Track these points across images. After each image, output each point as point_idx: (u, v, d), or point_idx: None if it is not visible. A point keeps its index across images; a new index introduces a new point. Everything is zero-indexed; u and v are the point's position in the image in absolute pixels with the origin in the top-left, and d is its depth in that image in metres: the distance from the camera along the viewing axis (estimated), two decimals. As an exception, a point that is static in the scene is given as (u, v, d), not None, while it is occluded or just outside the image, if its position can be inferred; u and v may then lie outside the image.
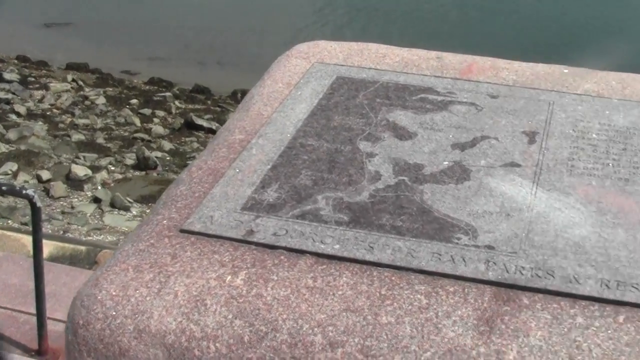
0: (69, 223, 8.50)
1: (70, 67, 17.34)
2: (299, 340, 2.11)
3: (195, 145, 12.86)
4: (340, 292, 2.23)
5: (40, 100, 14.40)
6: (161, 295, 2.26)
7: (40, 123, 13.00)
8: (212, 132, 13.51)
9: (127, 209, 9.39)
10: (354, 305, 2.19)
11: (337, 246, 2.38)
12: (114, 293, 2.29)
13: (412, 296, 2.21)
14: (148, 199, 9.82)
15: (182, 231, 2.50)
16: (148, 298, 2.26)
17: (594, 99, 3.17)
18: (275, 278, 2.28)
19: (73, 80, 15.95)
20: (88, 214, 9.04)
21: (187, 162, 11.75)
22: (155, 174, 10.91)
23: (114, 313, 2.25)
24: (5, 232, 6.84)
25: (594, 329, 2.10)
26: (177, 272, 2.33)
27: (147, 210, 9.50)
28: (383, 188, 2.63)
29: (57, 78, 16.10)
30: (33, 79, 15.81)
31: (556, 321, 2.13)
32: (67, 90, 15.14)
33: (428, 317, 2.15)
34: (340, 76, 3.34)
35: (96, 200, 9.52)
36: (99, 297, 2.29)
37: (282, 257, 2.37)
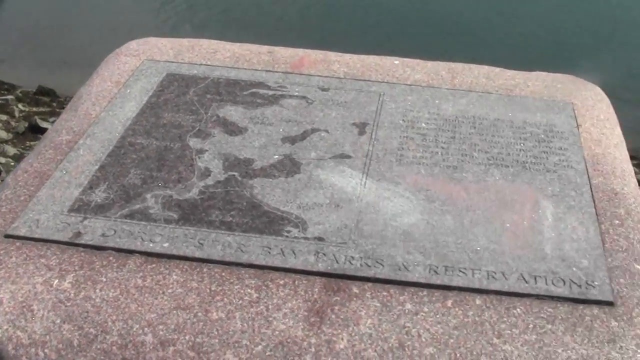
0: None
1: None
2: (130, 340, 2.10)
3: (42, 149, 12.49)
4: (170, 291, 2.23)
5: None
6: (-15, 304, 2.20)
7: None
8: (59, 134, 13.13)
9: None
10: (184, 303, 2.18)
11: (166, 244, 2.37)
12: None
13: (242, 291, 2.23)
14: (-7, 206, 9.47)
15: (7, 236, 2.44)
16: (-28, 307, 2.20)
17: (424, 89, 3.24)
18: (104, 279, 2.26)
19: None
20: None
21: (33, 166, 11.37)
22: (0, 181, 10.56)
23: (-64, 324, 2.18)
24: None
25: (423, 314, 2.16)
26: (2, 279, 2.27)
27: (-8, 218, 9.15)
28: (213, 184, 2.63)
29: None
30: None
31: (386, 308, 2.18)
32: None
33: (259, 311, 2.16)
34: (171, 73, 3.31)
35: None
36: None
37: (110, 258, 2.34)
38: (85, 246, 2.38)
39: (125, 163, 2.73)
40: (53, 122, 13.97)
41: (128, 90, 3.18)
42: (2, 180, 10.53)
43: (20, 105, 14.72)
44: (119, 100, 3.11)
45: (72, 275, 2.28)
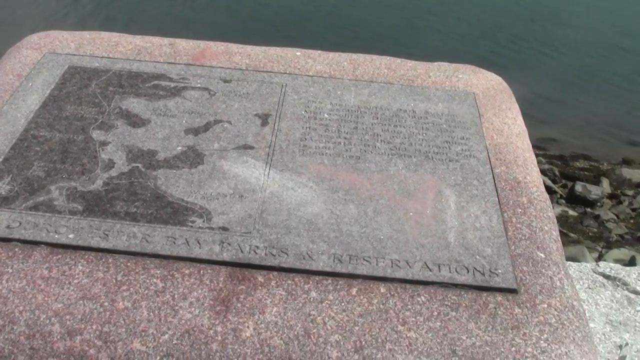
0: None
1: None
2: (37, 330, 2.12)
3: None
4: (76, 281, 2.25)
5: None
6: None
7: None
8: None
9: None
10: (90, 293, 2.21)
11: (71, 235, 2.39)
12: None
13: (148, 280, 2.27)
14: None
15: None
16: None
17: (326, 80, 3.29)
18: (10, 270, 2.28)
19: None
20: None
21: None
22: None
23: None
24: None
25: (328, 302, 2.22)
26: None
27: None
28: (117, 175, 2.66)
29: None
30: None
31: (291, 297, 2.23)
32: None
33: (165, 300, 2.20)
34: (72, 66, 3.31)
35: None
36: None
37: (16, 250, 2.36)
38: None
39: (29, 156, 2.74)
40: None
41: (30, 84, 3.17)
42: None
43: None
44: (21, 94, 3.10)
45: (-23, 267, 2.29)
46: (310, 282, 2.29)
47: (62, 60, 3.35)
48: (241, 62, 3.42)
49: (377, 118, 3.03)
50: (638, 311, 3.95)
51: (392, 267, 2.34)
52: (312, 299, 2.23)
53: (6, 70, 3.29)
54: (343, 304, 2.22)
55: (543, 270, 2.41)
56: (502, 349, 2.13)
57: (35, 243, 2.38)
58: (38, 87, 3.15)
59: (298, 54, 3.53)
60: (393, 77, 3.36)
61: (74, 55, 3.40)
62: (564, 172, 7.94)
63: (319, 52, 3.58)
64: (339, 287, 2.28)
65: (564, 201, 7.45)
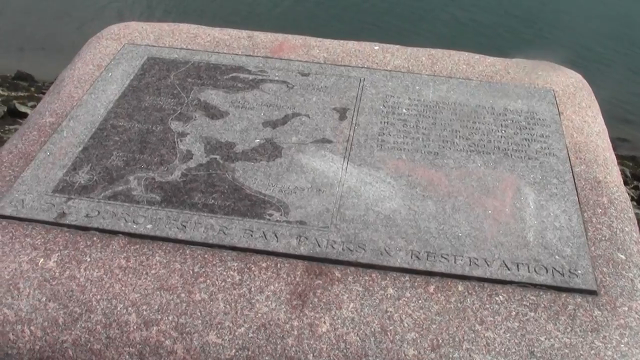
0: None
1: None
2: (114, 320, 2.13)
3: (19, 133, 12.49)
4: (153, 271, 2.26)
5: None
6: (-28, 282, 2.24)
7: None
8: (37, 118, 13.15)
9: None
10: (167, 284, 2.22)
11: (149, 226, 2.40)
12: None
13: (225, 273, 2.26)
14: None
15: None
16: (-40, 284, 2.24)
17: (404, 75, 3.25)
18: (88, 259, 2.29)
19: None
20: None
21: (12, 150, 11.38)
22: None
23: None
24: None
25: (405, 299, 2.19)
26: (-12, 257, 2.31)
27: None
28: (195, 167, 2.66)
29: None
30: None
31: (368, 293, 2.21)
32: None
33: (241, 293, 2.20)
34: (152, 57, 3.33)
35: None
36: None
37: (94, 239, 2.37)
38: (69, 226, 2.42)
39: (108, 145, 2.76)
40: (32, 106, 13.93)
41: (110, 74, 3.20)
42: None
43: (-2, 90, 14.69)
44: (101, 84, 3.13)
45: (57, 254, 2.31)
46: (388, 279, 2.26)
47: (142, 51, 3.38)
48: (319, 55, 3.40)
49: (456, 114, 2.98)
50: None
51: (470, 265, 2.30)
52: (389, 295, 2.20)
53: (86, 60, 3.32)
54: (420, 301, 2.19)
55: (624, 272, 2.35)
56: (582, 352, 2.09)
57: (114, 232, 2.39)
58: (117, 78, 3.17)
59: (376, 48, 3.50)
60: (472, 73, 3.31)
61: (153, 46, 3.42)
62: (635, 174, 7.76)
63: (397, 46, 3.55)
64: (416, 284, 2.25)
65: (635, 203, 7.29)
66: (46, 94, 3.22)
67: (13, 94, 14.63)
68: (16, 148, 2.80)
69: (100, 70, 3.23)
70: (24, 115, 13.16)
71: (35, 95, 14.61)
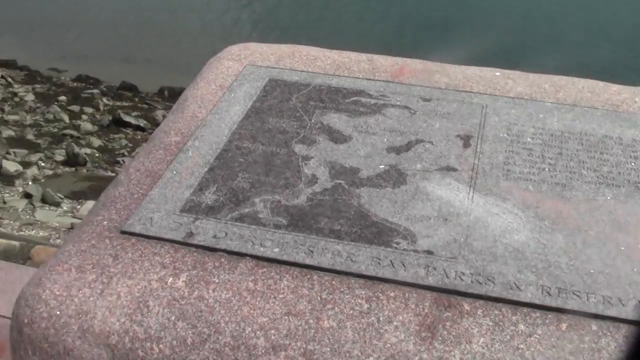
0: (0, 217, 8.40)
1: (-2, 64, 17.08)
2: (242, 343, 2.15)
3: (124, 142, 12.76)
4: (281, 296, 2.27)
5: (-31, 98, 14.16)
6: (104, 296, 2.29)
7: (-31, 120, 12.80)
8: (140, 129, 13.47)
9: (57, 204, 9.31)
10: (295, 309, 2.22)
11: (276, 249, 2.42)
12: (57, 293, 2.32)
13: (353, 301, 2.25)
14: (78, 195, 9.75)
15: (123, 232, 2.52)
16: (91, 298, 2.29)
17: (527, 102, 3.19)
18: (217, 280, 2.32)
19: (2, 76, 15.70)
20: (19, 209, 8.94)
21: (116, 158, 11.69)
22: (84, 170, 10.81)
23: (58, 312, 2.27)
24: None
25: (537, 336, 2.14)
26: (119, 273, 2.36)
27: (78, 207, 9.46)
28: (320, 191, 2.67)
29: (-16, 76, 15.84)
30: (-40, 77, 15.54)
31: (498, 328, 2.17)
32: (-5, 87, 14.91)
33: (370, 322, 2.19)
34: (273, 78, 3.36)
35: (27, 195, 9.43)
36: (43, 297, 2.31)
37: (222, 260, 2.40)
38: (197, 246, 2.45)
39: (233, 166, 2.80)
40: (136, 116, 14.28)
41: (232, 95, 3.24)
42: (87, 170, 10.78)
43: (104, 99, 15.10)
44: (224, 104, 3.18)
45: (185, 274, 2.34)
46: (518, 314, 2.21)
47: (263, 73, 3.41)
48: (440, 80, 3.37)
49: (582, 144, 2.92)
50: None
51: (603, 303, 2.23)
52: (520, 331, 2.16)
53: (209, 80, 3.38)
54: (552, 339, 2.14)
55: None
56: None
57: (241, 255, 2.41)
58: (240, 99, 3.21)
59: (497, 74, 3.46)
60: (597, 101, 3.23)
61: (274, 68, 3.46)
62: None
63: (519, 72, 3.49)
64: (547, 321, 2.19)
65: None
66: (170, 112, 3.28)
67: (118, 103, 15.04)
68: (143, 166, 2.86)
69: (222, 91, 3.28)
70: (128, 125, 13.50)
71: (139, 105, 14.99)
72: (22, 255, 6.48)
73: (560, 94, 3.28)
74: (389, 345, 2.12)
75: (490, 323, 2.18)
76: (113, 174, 10.83)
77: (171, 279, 2.33)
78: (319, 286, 2.30)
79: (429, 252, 2.40)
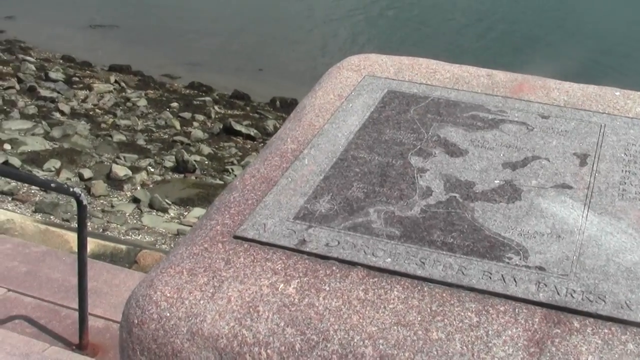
0: (108, 221, 8.62)
1: (113, 68, 17.61)
2: (350, 351, 2.14)
3: (234, 150, 12.96)
4: (391, 306, 2.26)
5: (84, 100, 14.62)
6: (215, 300, 2.31)
7: (83, 122, 13.20)
8: (251, 138, 13.65)
9: (165, 210, 9.50)
10: (404, 320, 2.21)
11: (388, 260, 2.40)
12: (168, 295, 2.35)
13: (462, 313, 2.23)
14: (186, 202, 9.94)
15: (236, 237, 2.54)
16: (202, 301, 2.31)
17: None
18: (327, 288, 2.32)
19: (116, 81, 16.19)
20: (127, 214, 9.16)
21: (226, 166, 11.87)
22: (193, 178, 11.01)
23: (168, 314, 2.30)
24: (49, 227, 6.97)
25: None
26: (231, 278, 2.37)
27: (185, 213, 9.63)
28: (434, 204, 2.65)
29: (100, 79, 16.35)
30: (77, 79, 16.07)
31: (607, 347, 2.12)
32: (109, 91, 15.36)
33: (478, 335, 2.16)
34: (392, 90, 3.36)
35: (135, 200, 9.66)
36: (154, 298, 2.35)
37: (334, 268, 2.39)
38: (309, 254, 2.45)
39: (349, 176, 2.79)
40: (247, 125, 14.49)
41: (350, 105, 3.25)
42: (196, 178, 10.98)
43: (216, 107, 15.37)
44: (341, 114, 3.18)
45: (296, 281, 2.35)
46: (628, 333, 2.16)
47: (381, 84, 3.41)
48: (559, 98, 3.32)
49: None
50: None
51: None
52: (629, 351, 2.11)
53: (327, 90, 3.39)
54: (665, 362, 2.09)
55: None
56: None
57: (352, 264, 2.40)
58: (358, 109, 3.21)
59: (617, 93, 3.39)
60: None
61: (393, 79, 3.45)
62: None
63: (639, 93, 3.41)
64: (659, 342, 2.14)
65: None
66: (286, 120, 3.31)
67: (229, 112, 15.29)
68: (259, 172, 2.88)
69: (340, 100, 3.28)
70: (238, 134, 13.70)
71: (250, 114, 15.21)
72: (128, 259, 6.64)
73: (682, 116, 3.18)
74: (496, 359, 2.09)
75: (599, 341, 2.14)
76: (221, 182, 10.99)
77: (282, 285, 2.33)
78: (429, 298, 2.28)
79: (541, 269, 2.36)
